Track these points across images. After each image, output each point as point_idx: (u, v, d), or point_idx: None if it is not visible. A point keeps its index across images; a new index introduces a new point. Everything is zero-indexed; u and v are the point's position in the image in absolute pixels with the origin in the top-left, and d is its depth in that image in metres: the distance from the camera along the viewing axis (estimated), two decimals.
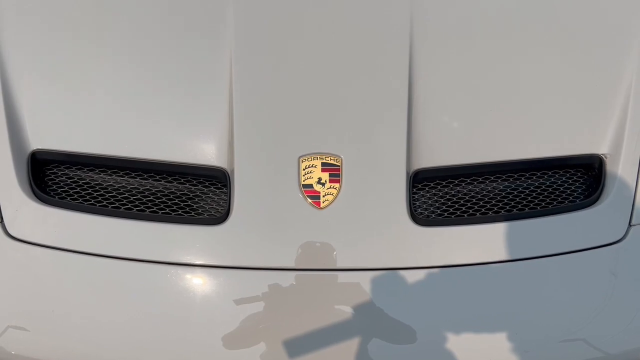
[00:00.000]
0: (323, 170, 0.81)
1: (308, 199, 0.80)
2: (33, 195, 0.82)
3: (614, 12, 0.93)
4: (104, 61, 0.88)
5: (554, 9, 0.93)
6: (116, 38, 0.89)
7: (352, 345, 0.75)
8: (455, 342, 0.76)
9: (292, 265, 0.78)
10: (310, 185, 0.80)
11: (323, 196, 0.80)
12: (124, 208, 0.82)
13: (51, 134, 0.86)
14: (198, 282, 0.78)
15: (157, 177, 0.85)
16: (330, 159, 0.81)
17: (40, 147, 0.85)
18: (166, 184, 0.85)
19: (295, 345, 0.75)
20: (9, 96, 0.86)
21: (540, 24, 0.92)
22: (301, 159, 0.81)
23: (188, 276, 0.78)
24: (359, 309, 0.76)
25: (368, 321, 0.76)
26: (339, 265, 0.78)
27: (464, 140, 0.86)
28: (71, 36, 0.91)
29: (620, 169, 0.85)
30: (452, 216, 0.82)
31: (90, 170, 0.86)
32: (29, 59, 0.89)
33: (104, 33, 0.90)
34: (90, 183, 0.85)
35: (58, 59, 0.89)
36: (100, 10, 0.91)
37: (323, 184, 0.80)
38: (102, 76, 0.88)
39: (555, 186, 0.86)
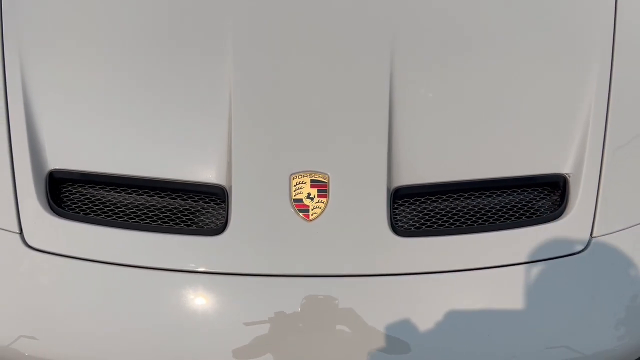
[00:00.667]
0: (312, 186, 0.90)
1: (298, 212, 0.88)
2: (50, 209, 0.91)
3: (573, 40, 1.03)
4: (115, 88, 0.98)
5: (521, 38, 1.03)
6: (126, 68, 0.99)
7: (337, 340, 0.82)
8: (429, 341, 0.83)
9: (283, 272, 0.86)
10: (301, 200, 0.89)
11: (312, 209, 0.89)
12: (132, 222, 0.91)
13: (67, 155, 0.95)
14: (198, 286, 0.86)
15: (162, 194, 0.94)
16: (319, 177, 0.90)
17: (57, 167, 0.95)
18: (170, 200, 0.94)
19: (286, 342, 0.82)
20: (31, 118, 0.95)
21: (509, 54, 1.02)
22: (292, 176, 0.90)
23: (190, 281, 0.86)
24: (341, 310, 0.84)
25: (351, 321, 0.83)
26: (325, 272, 0.86)
27: (440, 160, 0.94)
28: (85, 67, 1.01)
29: (581, 187, 0.93)
30: (430, 228, 0.91)
31: (102, 187, 0.95)
32: (48, 86, 0.98)
33: (115, 63, 1.00)
34: (101, 199, 0.94)
35: (73, 87, 0.99)
36: (112, 42, 1.01)
37: (312, 199, 0.89)
38: (113, 102, 0.97)
39: (524, 202, 0.95)
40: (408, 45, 0.99)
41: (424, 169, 0.94)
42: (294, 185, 0.90)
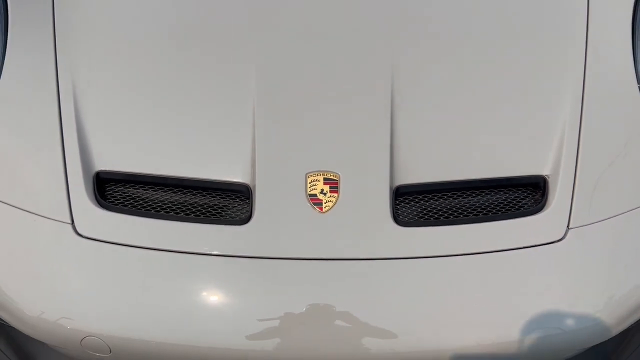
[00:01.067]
0: (325, 183, 1.04)
1: (313, 206, 1.02)
2: (97, 203, 1.05)
3: (551, 53, 1.19)
4: (153, 101, 1.13)
5: (506, 57, 1.18)
6: (163, 84, 1.14)
7: (344, 313, 0.95)
8: (422, 315, 0.96)
9: (300, 256, 0.99)
10: (315, 195, 1.03)
11: (324, 203, 1.02)
12: (167, 214, 1.05)
13: (111, 158, 1.09)
14: (226, 268, 0.99)
15: (194, 192, 1.08)
16: (331, 175, 1.04)
17: (102, 168, 1.09)
18: (201, 197, 1.07)
19: (300, 312, 0.95)
20: (80, 126, 1.10)
21: (497, 70, 1.17)
22: (308, 175, 1.04)
23: (218, 263, 0.99)
24: (348, 288, 0.97)
25: (356, 297, 0.96)
26: (336, 256, 0.99)
27: (436, 162, 1.08)
28: (127, 83, 1.16)
29: (559, 186, 1.07)
30: (426, 220, 1.04)
31: (141, 186, 1.09)
32: (95, 100, 1.13)
33: (153, 79, 1.15)
34: (140, 196, 1.08)
35: (116, 99, 1.14)
36: (152, 60, 1.17)
37: (325, 194, 1.03)
38: (151, 112, 1.12)
39: (511, 199, 1.08)
40: (406, 71, 1.14)
41: (422, 170, 1.08)
42: (309, 183, 1.04)
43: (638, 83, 1.18)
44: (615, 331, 1.03)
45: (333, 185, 1.04)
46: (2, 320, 1.08)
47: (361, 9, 1.20)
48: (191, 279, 0.99)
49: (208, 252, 1.00)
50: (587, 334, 1.00)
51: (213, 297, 0.98)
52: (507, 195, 1.09)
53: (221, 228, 1.02)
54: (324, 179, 1.04)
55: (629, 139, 1.13)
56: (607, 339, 1.03)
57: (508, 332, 0.97)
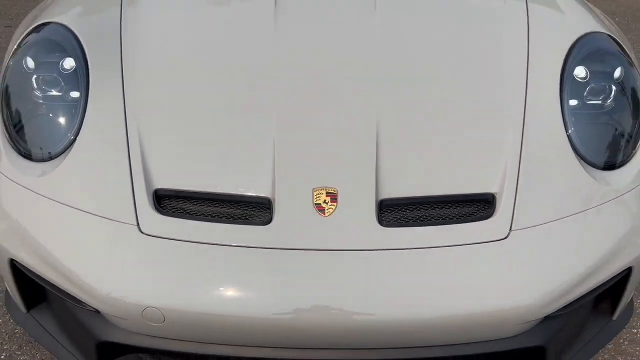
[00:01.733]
0: (327, 196, 1.39)
1: (318, 212, 1.37)
2: (155, 209, 1.40)
3: (499, 99, 1.59)
4: (199, 134, 1.51)
5: (465, 101, 1.59)
6: (207, 120, 1.53)
7: (338, 289, 1.29)
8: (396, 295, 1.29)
9: (308, 247, 1.33)
10: (319, 204, 1.38)
11: (327, 210, 1.37)
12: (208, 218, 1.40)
13: (166, 177, 1.45)
14: (254, 256, 1.32)
15: (230, 204, 1.42)
16: (331, 190, 1.40)
17: (160, 186, 1.44)
18: (235, 207, 1.41)
19: (305, 289, 1.28)
20: (143, 148, 1.47)
21: (459, 111, 1.57)
22: (314, 189, 1.40)
23: (249, 253, 1.33)
24: (342, 271, 1.31)
25: (348, 276, 1.30)
26: (335, 247, 1.33)
27: (412, 183, 1.44)
28: (178, 119, 1.54)
29: (503, 200, 1.42)
30: (403, 222, 1.39)
31: (188, 200, 1.44)
32: (153, 131, 1.51)
33: (197, 117, 1.54)
34: (189, 207, 1.43)
35: (171, 132, 1.52)
36: (195, 101, 1.57)
37: (327, 203, 1.38)
38: (196, 143, 1.50)
39: (468, 209, 1.43)
40: (388, 114, 1.52)
41: (401, 188, 1.43)
42: (315, 195, 1.39)
43: (564, 124, 1.56)
44: (545, 312, 1.35)
45: (333, 197, 1.39)
46: (74, 299, 1.41)
47: (354, 63, 1.63)
48: (227, 264, 1.32)
49: (240, 245, 1.34)
50: (523, 311, 1.32)
51: (243, 277, 1.31)
52: (465, 206, 1.44)
53: (250, 228, 1.36)
54: (326, 192, 1.40)
55: (556, 166, 1.50)
56: (538, 317, 1.35)
57: (462, 304, 1.30)
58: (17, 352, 1.90)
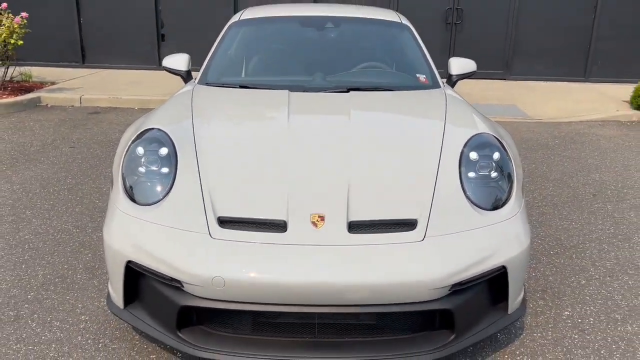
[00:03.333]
0: (318, 218, 2.42)
1: (313, 226, 2.39)
2: (219, 226, 2.42)
3: (423, 162, 2.70)
4: (241, 180, 2.58)
5: (402, 157, 2.69)
6: (247, 174, 2.62)
7: (326, 259, 2.29)
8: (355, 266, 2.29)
9: (308, 243, 2.33)
10: (314, 222, 2.40)
11: (318, 225, 2.39)
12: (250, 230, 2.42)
13: (225, 210, 2.48)
14: (278, 249, 2.32)
15: (260, 224, 2.44)
16: (321, 214, 2.43)
17: (220, 215, 2.47)
18: (263, 225, 2.43)
19: (306, 261, 2.27)
20: (210, 195, 2.52)
21: (397, 171, 2.65)
22: (311, 214, 2.43)
23: (276, 247, 2.32)
24: (327, 254, 2.30)
25: (329, 258, 2.30)
26: (323, 244, 2.34)
27: (369, 212, 2.47)
28: (232, 175, 2.62)
29: (420, 222, 2.44)
30: (360, 231, 2.40)
31: (237, 222, 2.46)
32: (216, 182, 2.58)
33: (241, 173, 2.63)
34: (238, 226, 2.44)
35: (226, 184, 2.58)
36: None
37: (318, 221, 2.40)
38: (239, 187, 2.56)
39: (400, 225, 2.44)
40: (356, 173, 2.60)
41: (362, 214, 2.46)
42: (311, 217, 2.42)
43: (462, 186, 2.62)
44: (444, 284, 2.30)
45: (322, 218, 2.42)
46: (170, 279, 2.37)
47: (335, 145, 2.77)
48: (261, 252, 2.32)
49: (268, 243, 2.34)
50: (431, 281, 2.28)
51: (271, 260, 2.29)
52: (399, 225, 2.45)
53: (274, 234, 2.38)
54: (318, 216, 2.43)
55: (454, 207, 2.53)
56: (439, 286, 2.29)
57: (397, 276, 2.26)
58: (110, 344, 2.78)
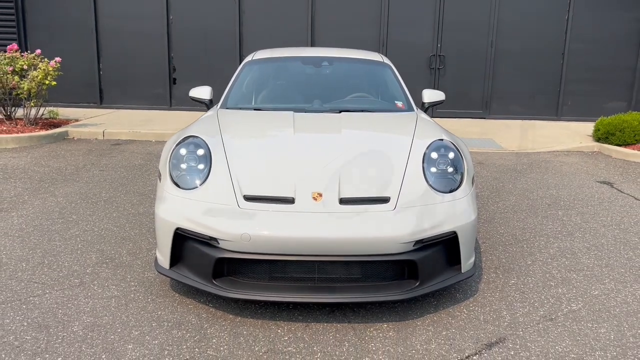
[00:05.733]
0: (318, 194, 3.31)
1: (314, 199, 3.28)
2: (245, 201, 3.30)
3: (397, 160, 3.61)
4: (261, 172, 3.48)
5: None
6: (264, 166, 3.52)
7: (323, 231, 3.17)
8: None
9: (311, 211, 3.22)
10: (315, 197, 3.30)
11: (317, 199, 3.29)
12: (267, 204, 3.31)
13: (248, 189, 3.37)
14: (287, 215, 3.21)
15: (274, 199, 3.33)
16: (320, 192, 3.32)
17: (245, 193, 3.36)
18: (277, 199, 3.32)
19: (312, 229, 3.16)
20: (238, 181, 3.42)
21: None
22: (312, 192, 3.32)
23: (289, 214, 3.22)
24: (323, 219, 3.18)
25: (324, 219, 3.19)
26: (320, 211, 3.23)
27: (354, 191, 3.36)
28: (253, 167, 3.52)
29: (392, 198, 3.34)
30: (350, 202, 3.29)
31: (258, 198, 3.34)
32: (241, 172, 3.48)
33: (259, 166, 3.53)
34: (259, 199, 3.33)
35: (248, 173, 3.48)
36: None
37: (317, 197, 3.30)
38: (260, 176, 3.45)
39: (379, 200, 3.33)
40: (345, 168, 3.52)
41: (349, 192, 3.35)
42: (312, 194, 3.31)
43: (424, 177, 3.53)
44: (410, 239, 3.18)
45: (320, 195, 3.31)
46: (209, 238, 3.23)
47: (330, 147, 3.72)
48: (276, 216, 3.20)
49: (281, 211, 3.23)
50: (399, 237, 3.16)
51: (284, 221, 3.17)
52: (377, 200, 3.34)
53: (285, 205, 3.26)
54: (317, 193, 3.32)
55: (418, 190, 3.43)
56: (406, 241, 3.17)
57: (373, 233, 3.14)
58: (156, 299, 3.61)
